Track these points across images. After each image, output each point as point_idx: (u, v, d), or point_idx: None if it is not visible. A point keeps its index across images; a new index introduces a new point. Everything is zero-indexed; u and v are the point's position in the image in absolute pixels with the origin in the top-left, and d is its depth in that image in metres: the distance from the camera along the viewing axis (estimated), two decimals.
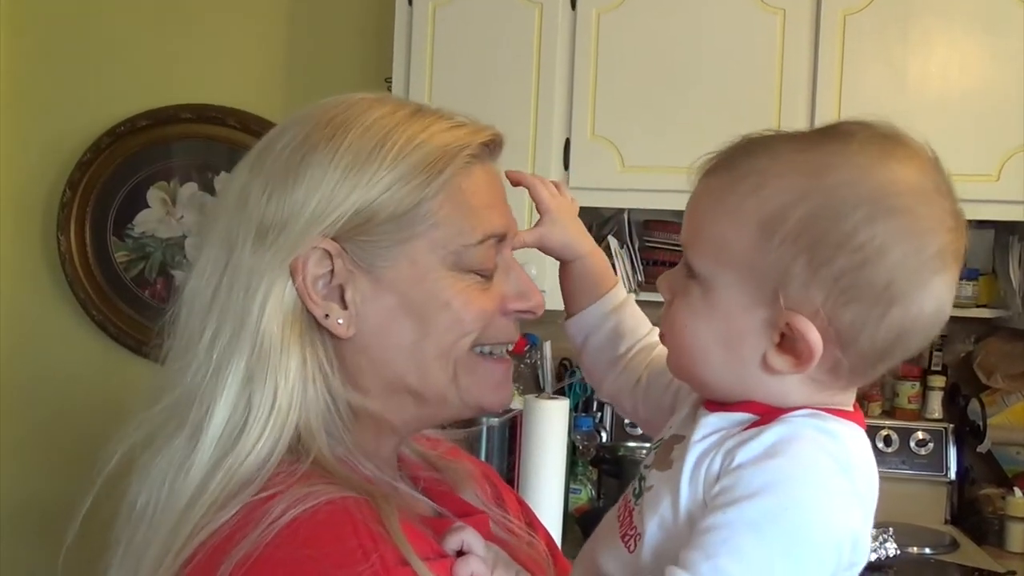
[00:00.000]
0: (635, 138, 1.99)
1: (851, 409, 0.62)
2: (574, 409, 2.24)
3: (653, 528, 0.60)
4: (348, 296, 0.66)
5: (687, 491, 0.59)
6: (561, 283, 0.84)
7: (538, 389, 2.32)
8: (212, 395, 0.64)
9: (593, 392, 2.32)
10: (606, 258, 0.82)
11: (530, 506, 0.90)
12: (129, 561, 0.64)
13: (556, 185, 0.87)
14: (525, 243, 0.79)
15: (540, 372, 2.34)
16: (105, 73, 2.56)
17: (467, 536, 0.62)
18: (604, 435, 2.28)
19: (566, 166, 2.05)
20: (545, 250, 0.81)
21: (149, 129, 2.52)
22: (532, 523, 0.86)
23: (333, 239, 0.65)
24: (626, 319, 0.82)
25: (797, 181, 0.58)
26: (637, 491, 0.67)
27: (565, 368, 2.36)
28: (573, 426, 2.16)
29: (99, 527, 0.67)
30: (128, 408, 0.68)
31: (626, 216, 2.25)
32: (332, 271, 0.66)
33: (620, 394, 0.82)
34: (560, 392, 2.27)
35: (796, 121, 1.94)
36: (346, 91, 0.72)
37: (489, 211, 0.69)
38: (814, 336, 0.57)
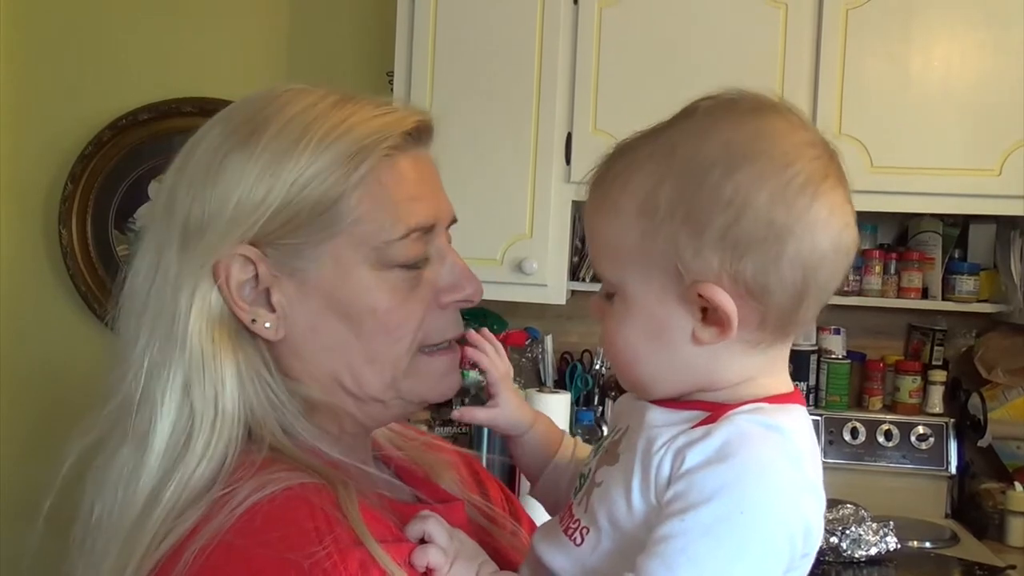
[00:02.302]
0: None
1: (790, 390, 0.63)
2: (575, 403, 2.24)
3: (603, 521, 0.61)
4: (275, 299, 0.66)
5: (638, 483, 0.59)
6: (514, 459, 0.82)
7: (539, 383, 2.32)
8: (151, 403, 0.64)
9: (594, 386, 2.32)
10: (551, 423, 0.82)
11: (522, 503, 0.91)
12: (89, 572, 0.65)
13: (496, 349, 0.84)
14: (477, 420, 0.78)
15: (541, 366, 2.34)
16: (107, 66, 2.56)
17: (429, 526, 0.62)
18: (605, 429, 2.28)
19: (568, 160, 2.05)
20: (494, 429, 0.80)
21: (151, 122, 2.52)
22: (517, 513, 0.86)
23: (255, 242, 0.65)
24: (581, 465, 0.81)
25: (655, 165, 0.61)
26: (577, 488, 0.67)
27: (566, 362, 2.36)
28: (574, 420, 2.17)
29: (67, 525, 0.68)
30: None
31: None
32: (256, 275, 0.65)
33: None
34: (561, 386, 2.27)
35: None
36: (348, 85, 0.70)
37: (412, 203, 0.67)
38: (724, 297, 0.58)
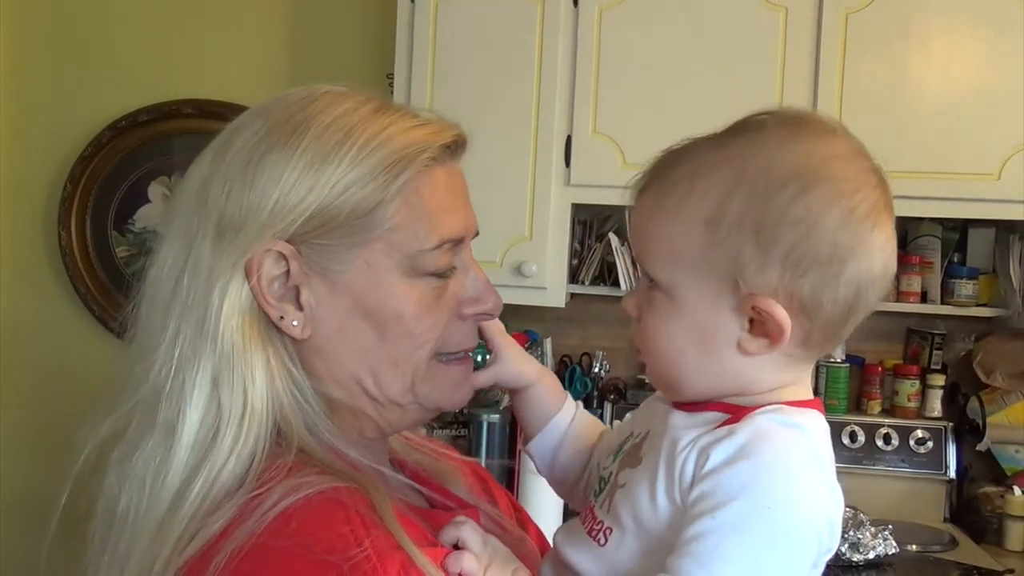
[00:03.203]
0: (636, 135, 1.99)
1: (810, 397, 0.65)
2: None
3: (628, 521, 0.62)
4: (303, 298, 0.66)
5: (663, 483, 0.60)
6: (515, 412, 0.83)
7: None
8: (180, 395, 0.64)
9: (593, 388, 2.32)
10: (555, 380, 0.83)
11: (522, 505, 0.91)
12: (113, 569, 0.64)
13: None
14: (482, 384, 0.78)
15: None
16: (107, 67, 2.56)
17: (463, 532, 0.63)
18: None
19: (567, 163, 2.05)
20: (500, 386, 0.81)
21: (151, 124, 2.52)
22: (523, 521, 0.86)
23: (289, 241, 0.65)
24: (583, 430, 0.81)
25: (724, 174, 0.61)
26: (596, 491, 0.68)
27: (565, 365, 2.36)
28: None
29: (78, 522, 0.67)
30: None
31: (627, 213, 2.24)
32: (288, 272, 0.66)
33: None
34: None
35: None
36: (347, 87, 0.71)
37: (446, 215, 0.68)
38: (781, 312, 0.60)
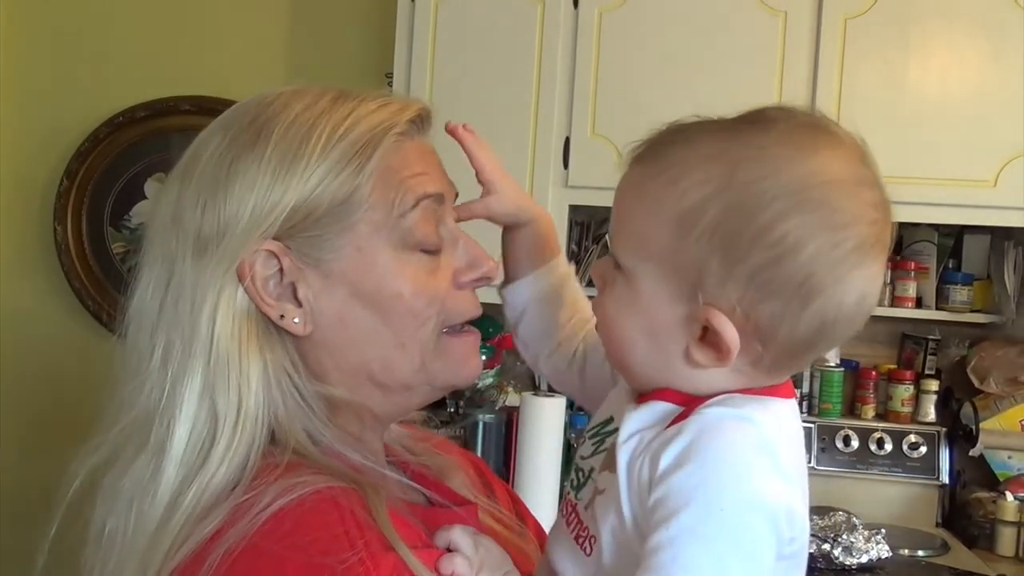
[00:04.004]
0: (635, 137, 1.98)
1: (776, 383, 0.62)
2: (570, 407, 2.24)
3: (607, 536, 0.60)
4: (301, 293, 0.66)
5: (626, 496, 0.58)
6: (504, 250, 0.81)
7: (534, 386, 2.32)
8: (172, 411, 0.63)
9: None
10: (553, 225, 0.81)
11: (520, 498, 0.91)
12: None
13: (478, 139, 0.82)
14: (473, 214, 0.77)
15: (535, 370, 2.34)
16: (104, 63, 2.55)
17: (455, 535, 0.62)
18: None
19: (566, 164, 2.06)
20: (493, 219, 0.79)
21: (148, 120, 2.52)
22: (522, 514, 0.86)
23: (276, 239, 0.65)
24: (567, 290, 0.80)
25: (714, 174, 0.57)
26: (576, 483, 0.67)
27: None
28: (569, 424, 2.17)
29: (67, 551, 0.66)
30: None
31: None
32: (281, 270, 0.65)
33: (558, 368, 0.81)
34: (556, 390, 2.27)
35: None
36: (347, 86, 0.71)
37: (419, 177, 0.68)
38: (731, 332, 0.57)
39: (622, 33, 2.04)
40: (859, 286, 0.57)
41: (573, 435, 2.19)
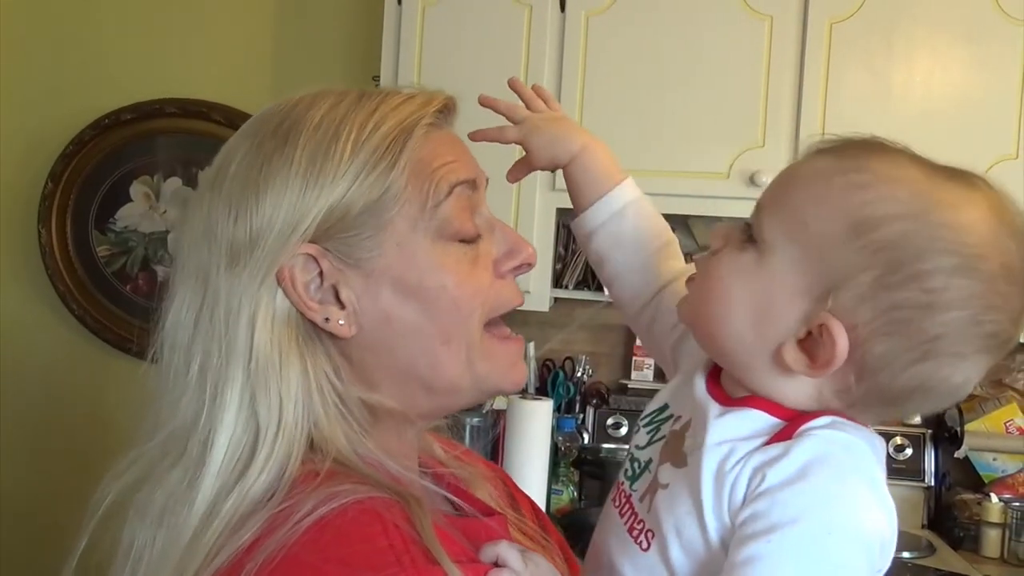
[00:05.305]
0: (622, 141, 1.99)
1: None
2: (557, 410, 2.24)
3: (671, 534, 0.59)
4: (343, 295, 0.64)
5: (711, 505, 0.58)
6: (568, 187, 0.81)
7: (522, 390, 2.32)
8: (211, 423, 0.62)
9: (576, 393, 2.32)
10: (608, 153, 0.79)
11: (544, 513, 0.88)
12: None
13: (545, 99, 0.84)
14: (497, 138, 0.79)
15: None
16: (90, 66, 2.54)
17: (502, 550, 0.60)
18: (586, 436, 2.28)
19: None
20: (529, 150, 0.80)
21: (133, 123, 2.50)
22: (545, 526, 0.84)
23: (312, 242, 0.64)
24: (642, 219, 0.78)
25: (909, 201, 0.57)
26: (630, 473, 0.65)
27: (548, 369, 2.36)
28: (556, 427, 2.17)
29: (94, 567, 0.65)
30: (107, 404, 0.66)
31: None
32: (321, 273, 0.64)
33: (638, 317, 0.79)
34: (543, 393, 2.27)
35: (781, 126, 1.96)
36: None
37: (451, 165, 0.67)
38: (843, 344, 0.56)
39: (609, 36, 2.04)
40: (969, 370, 0.58)
41: (560, 438, 2.19)
